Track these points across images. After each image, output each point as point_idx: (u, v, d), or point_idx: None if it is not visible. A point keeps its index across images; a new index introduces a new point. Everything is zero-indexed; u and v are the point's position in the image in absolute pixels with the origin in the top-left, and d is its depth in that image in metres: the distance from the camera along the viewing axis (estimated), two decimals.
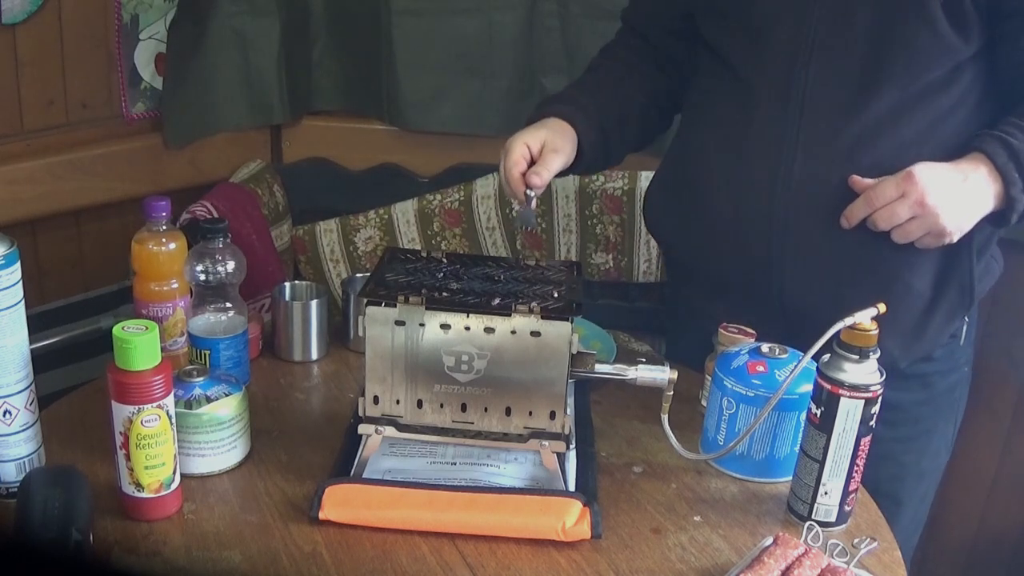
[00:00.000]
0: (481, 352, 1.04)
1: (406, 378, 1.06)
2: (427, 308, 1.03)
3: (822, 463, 1.05)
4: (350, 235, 1.97)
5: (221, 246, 1.25)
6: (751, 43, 1.26)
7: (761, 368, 1.13)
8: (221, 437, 1.11)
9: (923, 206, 1.13)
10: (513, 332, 1.03)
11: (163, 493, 1.03)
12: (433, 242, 1.97)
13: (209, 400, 1.10)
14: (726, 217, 1.30)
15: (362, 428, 1.08)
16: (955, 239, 1.18)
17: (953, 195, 1.15)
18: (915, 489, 1.44)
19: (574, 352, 1.04)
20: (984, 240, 1.28)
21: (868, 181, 1.18)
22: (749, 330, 1.25)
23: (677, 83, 1.43)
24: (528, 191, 1.22)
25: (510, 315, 1.03)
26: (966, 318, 1.34)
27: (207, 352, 1.24)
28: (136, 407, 0.99)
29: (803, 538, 1.03)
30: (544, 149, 1.26)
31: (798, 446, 1.09)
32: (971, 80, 1.21)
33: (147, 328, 0.98)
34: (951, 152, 1.19)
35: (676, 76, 1.43)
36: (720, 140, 1.31)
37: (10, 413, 1.02)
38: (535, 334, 1.03)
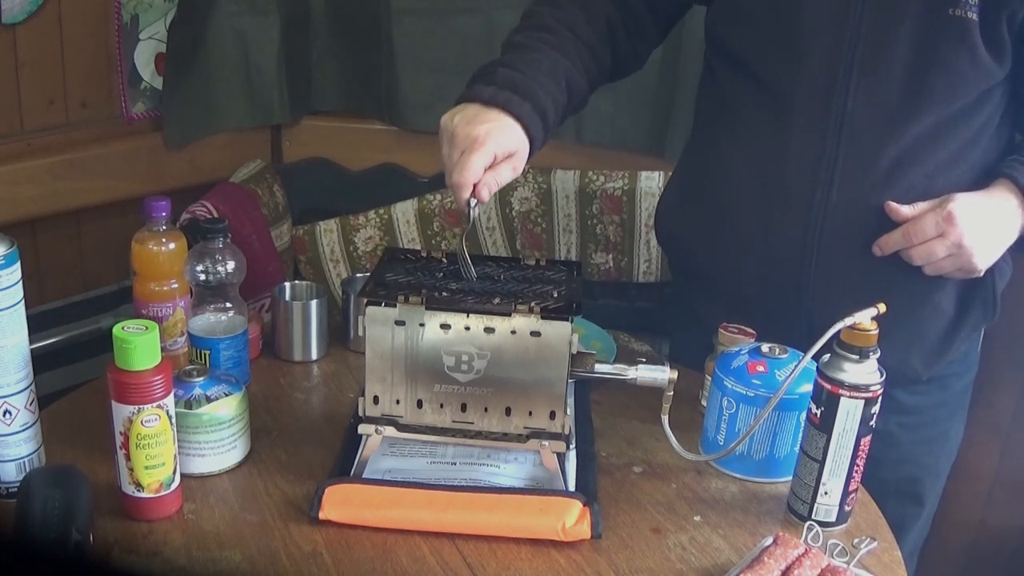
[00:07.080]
0: (481, 352, 1.04)
1: (406, 378, 1.06)
2: (427, 308, 1.03)
3: (822, 463, 1.05)
4: (350, 235, 1.97)
5: (221, 246, 1.25)
6: (786, 58, 1.21)
7: (761, 368, 1.13)
8: (221, 437, 1.11)
9: (960, 247, 1.14)
10: (513, 332, 1.03)
11: (163, 493, 1.03)
12: (433, 242, 1.97)
13: (209, 400, 1.10)
14: (756, 237, 1.27)
15: (362, 428, 1.08)
16: (982, 274, 1.19)
17: (988, 234, 1.16)
18: (934, 489, 1.46)
19: (574, 352, 1.04)
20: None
21: (905, 210, 1.17)
22: (749, 330, 1.25)
23: (619, 61, 1.32)
24: (472, 200, 1.10)
25: (510, 315, 1.03)
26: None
27: (207, 352, 1.24)
28: (136, 407, 0.99)
29: (803, 538, 1.03)
30: (502, 163, 1.12)
31: (798, 446, 1.09)
32: (997, 102, 1.21)
33: (147, 328, 0.98)
34: (978, 173, 1.20)
35: (629, 56, 1.33)
36: (751, 157, 1.26)
37: (10, 413, 1.02)
38: (535, 334, 1.03)
